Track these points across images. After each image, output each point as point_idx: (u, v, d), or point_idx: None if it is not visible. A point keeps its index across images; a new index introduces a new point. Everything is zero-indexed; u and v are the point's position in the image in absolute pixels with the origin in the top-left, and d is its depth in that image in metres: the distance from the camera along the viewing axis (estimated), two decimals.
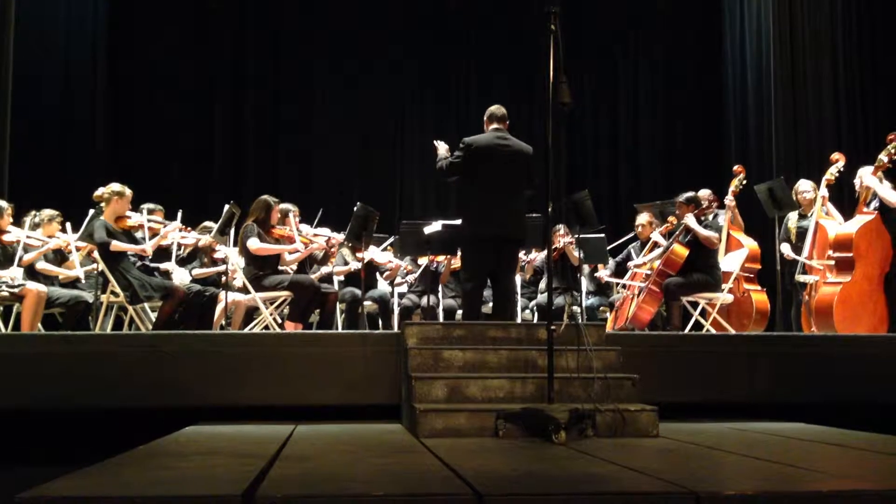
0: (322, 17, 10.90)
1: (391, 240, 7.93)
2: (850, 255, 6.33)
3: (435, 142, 5.77)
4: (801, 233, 6.87)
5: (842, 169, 6.84)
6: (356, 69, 10.90)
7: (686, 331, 6.52)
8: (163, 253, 6.73)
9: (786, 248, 6.88)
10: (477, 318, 5.37)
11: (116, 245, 5.88)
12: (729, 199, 7.21)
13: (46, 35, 9.25)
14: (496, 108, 5.54)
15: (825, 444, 3.61)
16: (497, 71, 11.14)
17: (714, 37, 10.83)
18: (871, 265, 6.35)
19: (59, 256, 6.53)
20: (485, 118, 5.57)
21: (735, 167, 7.47)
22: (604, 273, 7.81)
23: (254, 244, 6.27)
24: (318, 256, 7.30)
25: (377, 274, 7.90)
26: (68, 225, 6.63)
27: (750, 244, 7.06)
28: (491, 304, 5.84)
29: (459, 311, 7.52)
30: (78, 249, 6.39)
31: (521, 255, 7.85)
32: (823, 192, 6.80)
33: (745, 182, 7.28)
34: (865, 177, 6.52)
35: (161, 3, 10.55)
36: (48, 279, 6.29)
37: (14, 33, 7.86)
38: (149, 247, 6.13)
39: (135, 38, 10.47)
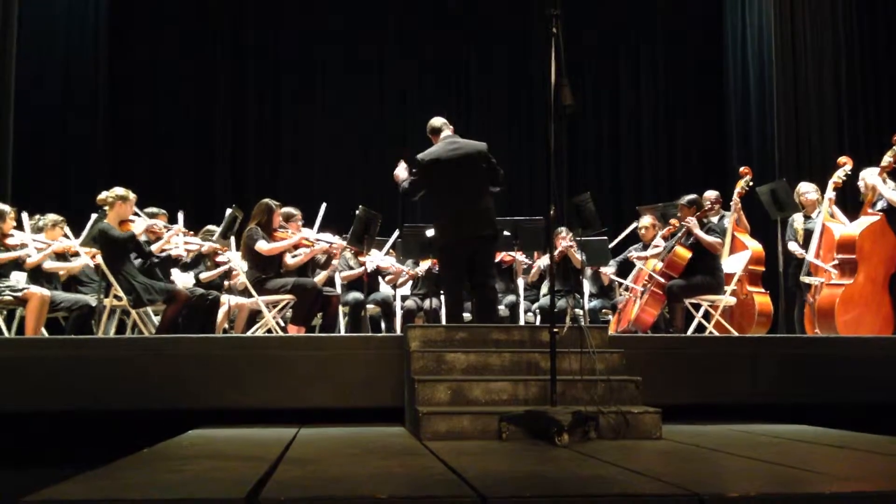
0: (322, 18, 10.93)
1: (392, 240, 7.92)
2: (853, 256, 6.31)
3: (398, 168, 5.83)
4: (808, 234, 6.85)
5: (849, 172, 6.81)
6: (357, 71, 10.92)
7: (689, 333, 6.52)
8: (166, 257, 6.74)
9: (794, 247, 6.86)
10: (459, 315, 5.44)
11: (136, 230, 5.95)
12: (735, 201, 7.20)
13: (47, 37, 9.28)
14: (434, 120, 5.67)
15: (828, 445, 3.60)
16: (498, 72, 11.16)
17: (715, 37, 10.85)
18: (876, 266, 6.32)
19: (62, 261, 6.53)
20: (429, 135, 5.67)
21: (741, 168, 7.43)
22: (608, 269, 7.77)
23: (263, 245, 6.28)
24: (320, 261, 7.30)
25: (379, 277, 7.91)
26: (68, 230, 6.64)
27: (754, 246, 7.03)
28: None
29: (466, 315, 7.51)
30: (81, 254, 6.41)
31: (524, 258, 7.84)
32: (830, 194, 6.77)
33: (751, 184, 7.24)
34: (869, 178, 6.50)
35: (162, 5, 10.59)
36: (51, 282, 6.29)
37: (16, 37, 7.89)
38: (155, 247, 6.18)
39: (135, 41, 10.52)
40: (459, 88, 11.20)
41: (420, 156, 5.51)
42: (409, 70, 11.11)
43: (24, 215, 6.34)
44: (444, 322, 7.36)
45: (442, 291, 6.18)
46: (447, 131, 5.61)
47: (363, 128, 10.91)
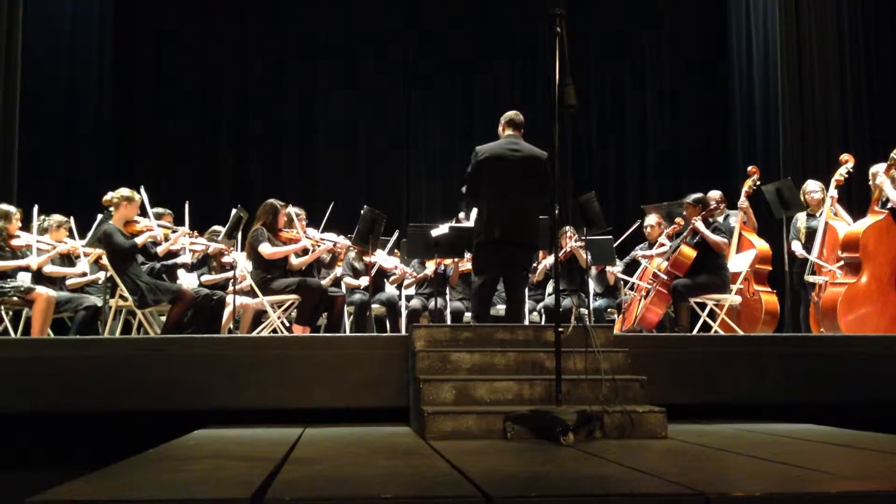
0: (325, 19, 10.95)
1: (394, 238, 7.92)
2: (857, 255, 6.26)
3: None
4: (811, 233, 6.84)
5: (851, 170, 6.80)
6: (360, 70, 10.94)
7: (694, 332, 6.51)
8: (171, 258, 6.75)
9: (797, 246, 6.84)
10: (484, 317, 5.39)
11: (142, 240, 5.92)
12: (742, 201, 7.19)
13: (52, 39, 9.31)
14: (514, 115, 5.58)
15: (833, 444, 3.60)
16: (502, 71, 11.16)
17: (720, 36, 10.85)
18: (881, 265, 6.26)
19: (67, 262, 6.55)
20: (501, 123, 5.60)
21: (749, 168, 7.41)
22: (615, 269, 7.76)
23: (266, 249, 6.29)
24: (325, 260, 7.31)
25: (384, 278, 7.91)
26: (74, 230, 6.65)
27: (760, 245, 7.02)
28: (502, 307, 5.82)
29: (467, 314, 7.52)
30: (86, 255, 6.42)
31: None
32: (833, 192, 6.76)
33: (758, 183, 7.22)
34: (878, 175, 6.46)
35: (166, 6, 10.61)
36: (55, 283, 6.30)
37: (21, 37, 7.91)
38: (160, 248, 6.17)
39: (140, 41, 10.56)
40: (463, 88, 11.20)
41: (479, 148, 5.45)
42: (413, 70, 11.11)
43: (35, 210, 6.33)
44: (453, 321, 7.41)
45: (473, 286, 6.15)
46: (515, 133, 5.52)
47: (368, 128, 10.92)
